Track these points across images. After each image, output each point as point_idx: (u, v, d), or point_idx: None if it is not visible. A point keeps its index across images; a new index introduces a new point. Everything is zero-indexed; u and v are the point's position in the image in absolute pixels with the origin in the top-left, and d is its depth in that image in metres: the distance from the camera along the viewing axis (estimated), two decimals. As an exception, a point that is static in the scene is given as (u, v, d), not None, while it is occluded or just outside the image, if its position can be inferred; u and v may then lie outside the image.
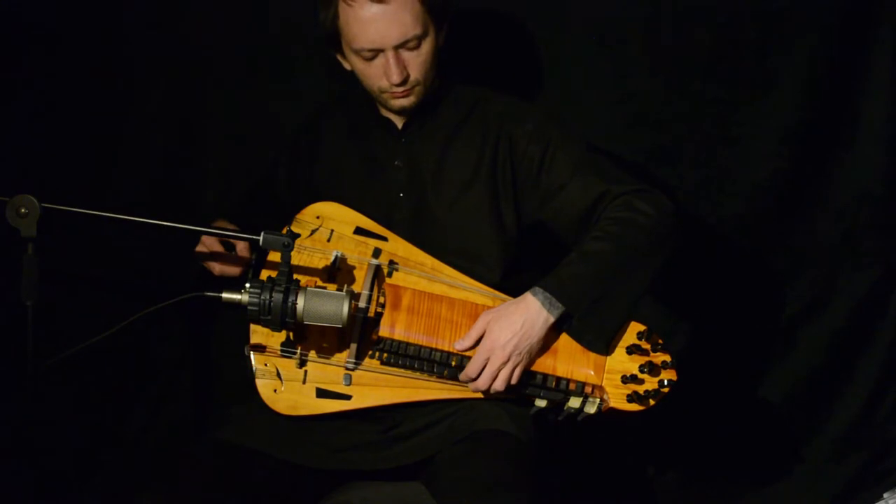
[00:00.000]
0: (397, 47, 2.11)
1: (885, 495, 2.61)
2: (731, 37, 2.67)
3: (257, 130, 2.67)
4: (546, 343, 2.08)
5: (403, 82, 2.14)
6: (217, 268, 2.23)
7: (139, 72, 2.64)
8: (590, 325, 2.07)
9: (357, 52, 2.14)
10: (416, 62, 2.15)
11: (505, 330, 2.04)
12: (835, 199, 2.77)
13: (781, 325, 2.85)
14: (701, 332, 2.80)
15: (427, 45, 2.15)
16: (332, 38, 2.19)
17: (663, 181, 2.67)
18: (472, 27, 2.54)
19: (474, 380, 2.07)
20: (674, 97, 2.70)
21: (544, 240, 2.27)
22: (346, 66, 2.23)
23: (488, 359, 2.05)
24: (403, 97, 2.17)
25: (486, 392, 2.08)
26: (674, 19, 2.66)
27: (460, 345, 2.08)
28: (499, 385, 2.06)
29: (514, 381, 2.06)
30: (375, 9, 2.08)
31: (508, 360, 2.04)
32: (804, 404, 2.87)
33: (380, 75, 2.15)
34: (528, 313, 2.05)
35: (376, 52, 2.12)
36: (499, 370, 2.05)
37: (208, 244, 2.21)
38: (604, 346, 2.09)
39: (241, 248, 2.22)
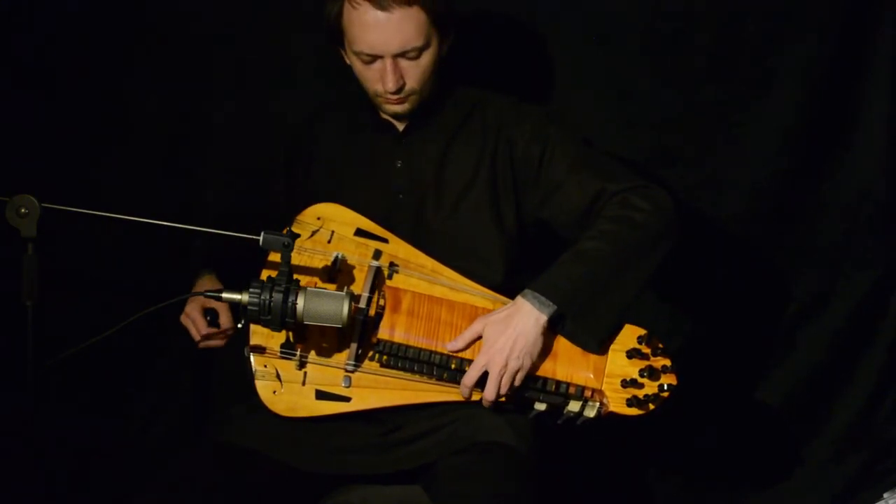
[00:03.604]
0: (396, 56, 2.11)
1: (885, 495, 2.61)
2: (731, 37, 2.67)
3: (257, 130, 2.67)
4: (545, 346, 2.07)
5: (398, 90, 2.14)
6: (200, 341, 2.26)
7: (139, 71, 2.64)
8: (583, 323, 2.06)
9: (356, 54, 2.14)
10: (414, 72, 2.14)
11: (499, 335, 2.03)
12: (835, 199, 2.77)
13: (781, 325, 2.85)
14: (701, 332, 2.80)
15: (427, 57, 2.14)
16: (335, 34, 2.18)
17: (663, 181, 2.66)
18: (471, 28, 2.53)
19: (476, 389, 2.07)
20: (673, 97, 2.70)
21: (546, 240, 2.27)
22: (347, 60, 2.23)
23: (487, 366, 2.04)
24: (397, 104, 2.17)
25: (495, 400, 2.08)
26: (673, 19, 2.66)
27: (452, 346, 2.07)
28: (503, 391, 2.05)
29: (517, 384, 2.05)
30: (379, 16, 2.07)
31: (507, 364, 2.04)
32: (804, 404, 2.87)
33: (376, 80, 2.15)
34: (521, 315, 2.04)
35: (375, 57, 2.12)
36: (500, 376, 2.04)
37: (192, 316, 2.24)
38: (597, 345, 2.07)
39: (225, 320, 2.25)
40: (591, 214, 2.14)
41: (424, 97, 2.19)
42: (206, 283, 2.29)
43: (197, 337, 2.25)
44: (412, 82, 2.15)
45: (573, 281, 2.05)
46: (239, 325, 2.08)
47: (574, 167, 2.18)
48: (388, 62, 2.11)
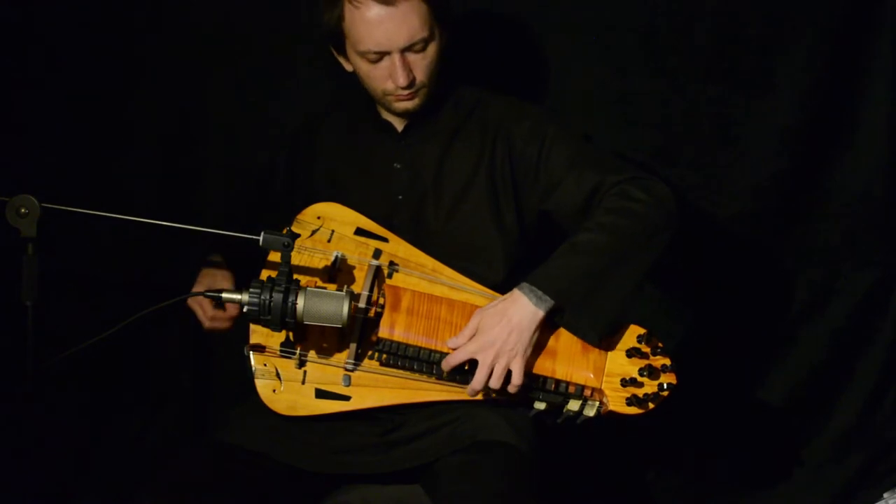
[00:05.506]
0: (404, 50, 2.11)
1: (885, 495, 2.62)
2: (731, 37, 2.67)
3: (257, 130, 2.67)
4: (544, 342, 2.07)
5: (410, 85, 2.14)
6: (207, 323, 2.21)
7: (139, 71, 2.64)
8: (582, 315, 2.05)
9: (362, 55, 2.14)
10: (422, 65, 2.14)
11: (493, 327, 2.02)
12: (835, 198, 2.77)
13: (781, 325, 2.85)
14: (701, 331, 2.80)
15: (433, 48, 2.14)
16: (336, 39, 2.18)
17: (663, 181, 2.67)
18: (471, 27, 2.54)
19: (468, 382, 2.07)
20: (673, 97, 2.70)
21: (547, 238, 2.27)
22: (348, 67, 2.23)
23: (476, 355, 2.03)
24: (408, 100, 2.17)
25: (485, 392, 2.08)
26: (674, 19, 2.66)
27: (453, 342, 2.07)
28: (494, 383, 2.04)
29: (514, 379, 2.04)
30: (383, 11, 2.07)
31: (498, 357, 2.03)
32: (804, 404, 2.87)
33: (385, 77, 2.15)
34: (517, 309, 2.03)
35: (382, 54, 2.12)
36: (490, 368, 2.04)
37: (199, 299, 2.19)
38: (597, 336, 2.06)
39: (230, 306, 2.19)
40: (590, 207, 2.13)
41: (431, 92, 2.19)
42: (213, 271, 2.24)
43: (204, 321, 2.21)
44: (421, 76, 2.15)
45: (570, 273, 2.04)
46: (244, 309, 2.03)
47: (573, 163, 2.17)
48: (397, 57, 2.11)
